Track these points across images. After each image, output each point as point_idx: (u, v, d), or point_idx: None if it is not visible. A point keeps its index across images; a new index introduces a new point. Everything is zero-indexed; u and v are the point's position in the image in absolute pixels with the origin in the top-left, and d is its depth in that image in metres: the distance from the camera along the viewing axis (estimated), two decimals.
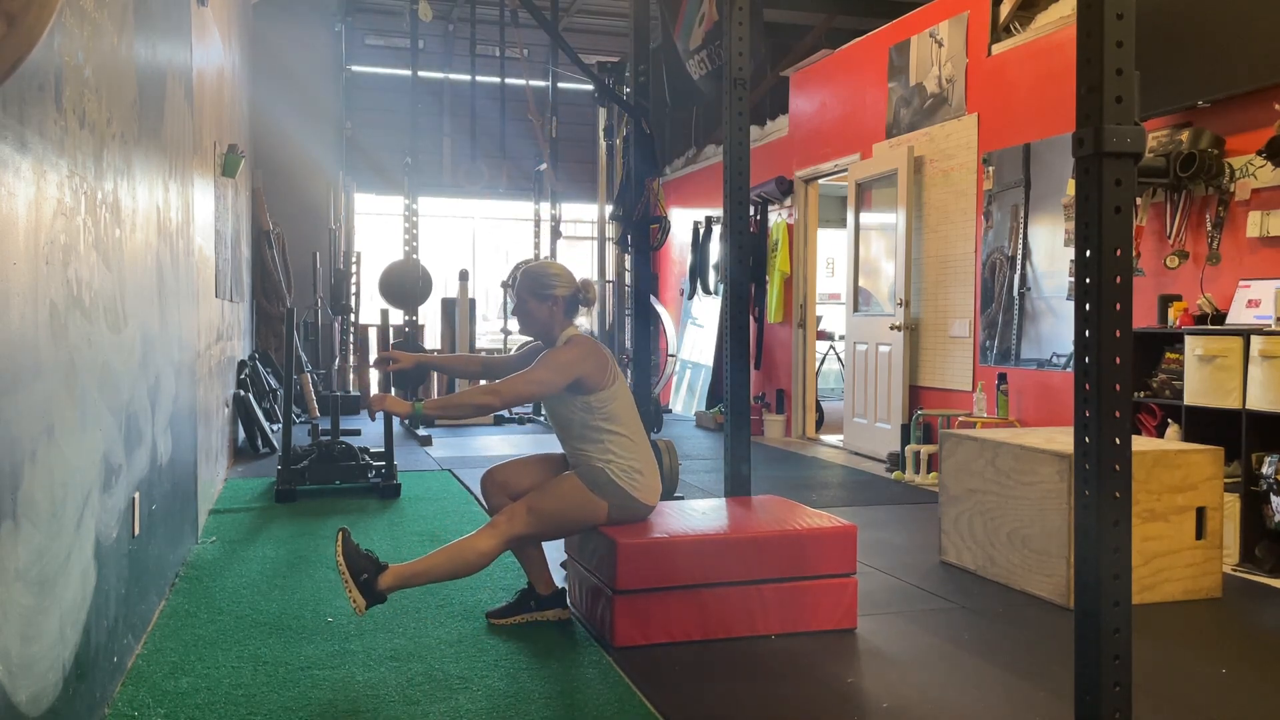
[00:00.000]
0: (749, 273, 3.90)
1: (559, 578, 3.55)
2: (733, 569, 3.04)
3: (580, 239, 11.94)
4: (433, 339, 10.33)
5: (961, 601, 3.50)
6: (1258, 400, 3.81)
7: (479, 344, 10.01)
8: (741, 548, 3.06)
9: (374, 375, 10.30)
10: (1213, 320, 4.32)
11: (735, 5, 3.65)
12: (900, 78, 6.79)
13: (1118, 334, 1.92)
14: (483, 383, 3.25)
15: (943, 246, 6.37)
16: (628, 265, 7.27)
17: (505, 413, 9.21)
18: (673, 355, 10.16)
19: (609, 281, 9.15)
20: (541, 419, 8.85)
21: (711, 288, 9.61)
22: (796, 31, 9.16)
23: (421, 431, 8.00)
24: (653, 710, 2.51)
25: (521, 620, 3.20)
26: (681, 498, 4.84)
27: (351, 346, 10.31)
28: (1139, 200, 4.72)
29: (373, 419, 3.17)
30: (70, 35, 2.07)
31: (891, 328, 6.69)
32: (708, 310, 9.62)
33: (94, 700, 2.32)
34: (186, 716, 2.44)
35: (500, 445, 7.62)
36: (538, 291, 3.18)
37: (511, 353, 3.56)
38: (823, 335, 10.21)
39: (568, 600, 3.30)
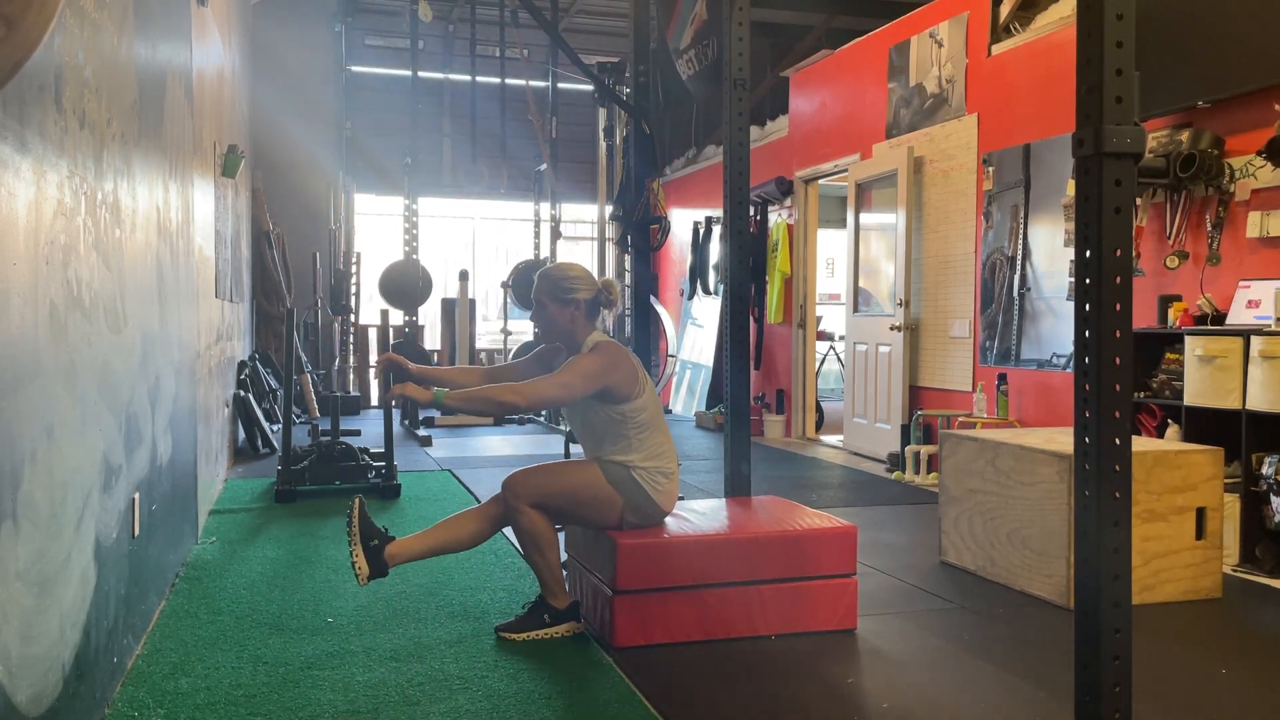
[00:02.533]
0: (749, 273, 3.90)
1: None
2: (733, 569, 3.04)
3: (580, 239, 11.94)
4: (433, 340, 10.33)
5: (961, 601, 3.50)
6: (1258, 400, 3.81)
7: (479, 344, 9.99)
8: (742, 548, 3.06)
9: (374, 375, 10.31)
10: (1213, 320, 4.32)
11: (735, 5, 3.64)
12: (900, 78, 6.79)
13: (1118, 334, 1.92)
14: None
15: (943, 247, 6.37)
16: (628, 266, 7.27)
17: None
18: (673, 355, 10.15)
19: None
20: (541, 419, 8.84)
21: (711, 288, 9.61)
22: (796, 31, 9.16)
23: (421, 432, 8.00)
24: (653, 710, 2.51)
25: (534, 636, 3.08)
26: (682, 498, 4.84)
27: (351, 347, 10.30)
28: (1139, 200, 4.72)
29: (396, 406, 3.08)
30: (70, 35, 2.07)
31: (891, 328, 6.69)
32: (708, 310, 9.62)
33: (94, 700, 2.32)
34: (186, 716, 2.44)
35: (501, 445, 7.62)
36: (558, 296, 3.06)
37: (510, 356, 3.45)
38: (823, 335, 10.20)
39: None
